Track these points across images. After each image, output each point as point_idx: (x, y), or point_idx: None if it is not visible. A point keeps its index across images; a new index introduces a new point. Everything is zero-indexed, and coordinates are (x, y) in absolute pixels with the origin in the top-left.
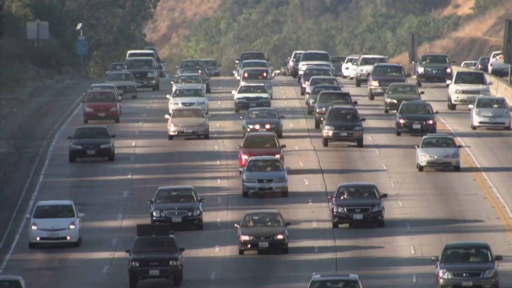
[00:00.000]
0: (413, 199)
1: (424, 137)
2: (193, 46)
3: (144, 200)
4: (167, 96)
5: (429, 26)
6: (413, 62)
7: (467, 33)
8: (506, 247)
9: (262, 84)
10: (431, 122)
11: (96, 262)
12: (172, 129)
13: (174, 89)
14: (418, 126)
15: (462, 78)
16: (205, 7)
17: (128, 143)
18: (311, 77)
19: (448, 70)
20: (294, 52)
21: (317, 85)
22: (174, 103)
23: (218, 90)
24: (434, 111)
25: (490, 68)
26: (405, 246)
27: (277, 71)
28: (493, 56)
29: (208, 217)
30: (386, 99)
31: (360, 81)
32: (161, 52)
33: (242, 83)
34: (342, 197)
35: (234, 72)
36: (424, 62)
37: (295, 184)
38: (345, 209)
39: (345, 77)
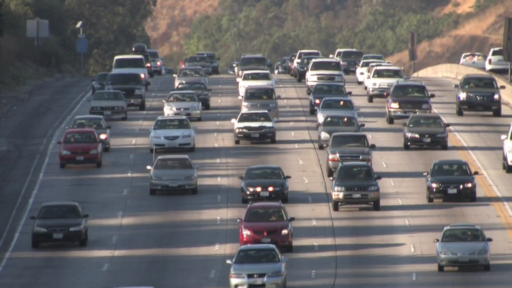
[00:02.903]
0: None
1: (445, 228)
2: (194, 43)
3: (144, 198)
4: (149, 128)
5: (429, 24)
6: (413, 60)
7: (467, 31)
8: (506, 245)
9: (266, 111)
10: (469, 185)
11: (96, 260)
12: (154, 182)
13: (164, 108)
14: (455, 191)
15: None
16: (205, 5)
17: (128, 141)
18: (323, 99)
19: (496, 97)
20: (299, 51)
21: (329, 111)
22: (155, 137)
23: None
24: (473, 171)
25: None
26: (405, 244)
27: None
28: (464, 57)
29: (208, 215)
30: (406, 134)
31: (372, 96)
32: (161, 50)
33: (244, 104)
34: None
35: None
36: (467, 86)
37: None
38: None
39: (359, 82)
